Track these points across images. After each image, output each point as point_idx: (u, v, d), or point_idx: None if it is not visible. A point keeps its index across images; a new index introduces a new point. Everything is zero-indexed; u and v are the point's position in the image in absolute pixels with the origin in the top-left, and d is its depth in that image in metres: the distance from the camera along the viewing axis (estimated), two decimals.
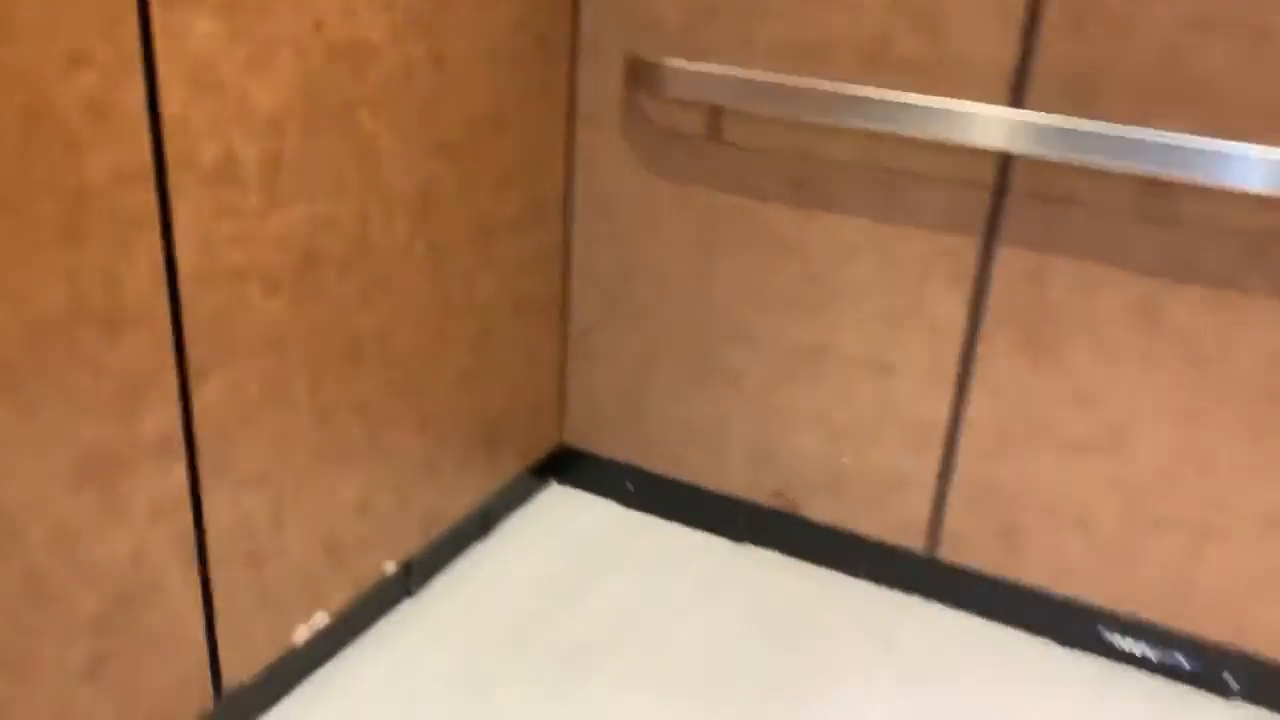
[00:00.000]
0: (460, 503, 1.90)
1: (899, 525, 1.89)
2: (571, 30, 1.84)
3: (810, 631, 1.83)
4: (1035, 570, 1.81)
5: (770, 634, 1.82)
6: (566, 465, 2.16)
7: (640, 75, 1.80)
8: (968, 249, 1.69)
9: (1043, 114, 1.55)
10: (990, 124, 1.58)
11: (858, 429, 1.87)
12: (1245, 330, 1.56)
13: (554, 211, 1.93)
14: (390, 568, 1.75)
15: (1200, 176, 1.48)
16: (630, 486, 2.11)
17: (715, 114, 1.79)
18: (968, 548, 1.85)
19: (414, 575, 1.82)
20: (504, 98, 1.72)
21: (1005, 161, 1.63)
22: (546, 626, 1.80)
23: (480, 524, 1.98)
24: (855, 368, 1.83)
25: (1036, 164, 1.61)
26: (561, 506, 2.13)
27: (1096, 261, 1.62)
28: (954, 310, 1.73)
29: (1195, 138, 1.46)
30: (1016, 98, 1.59)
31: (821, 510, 1.95)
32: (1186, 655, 1.75)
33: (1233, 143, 1.45)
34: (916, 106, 1.61)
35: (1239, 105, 1.47)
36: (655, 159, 1.86)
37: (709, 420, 1.99)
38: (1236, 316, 1.56)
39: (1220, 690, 1.75)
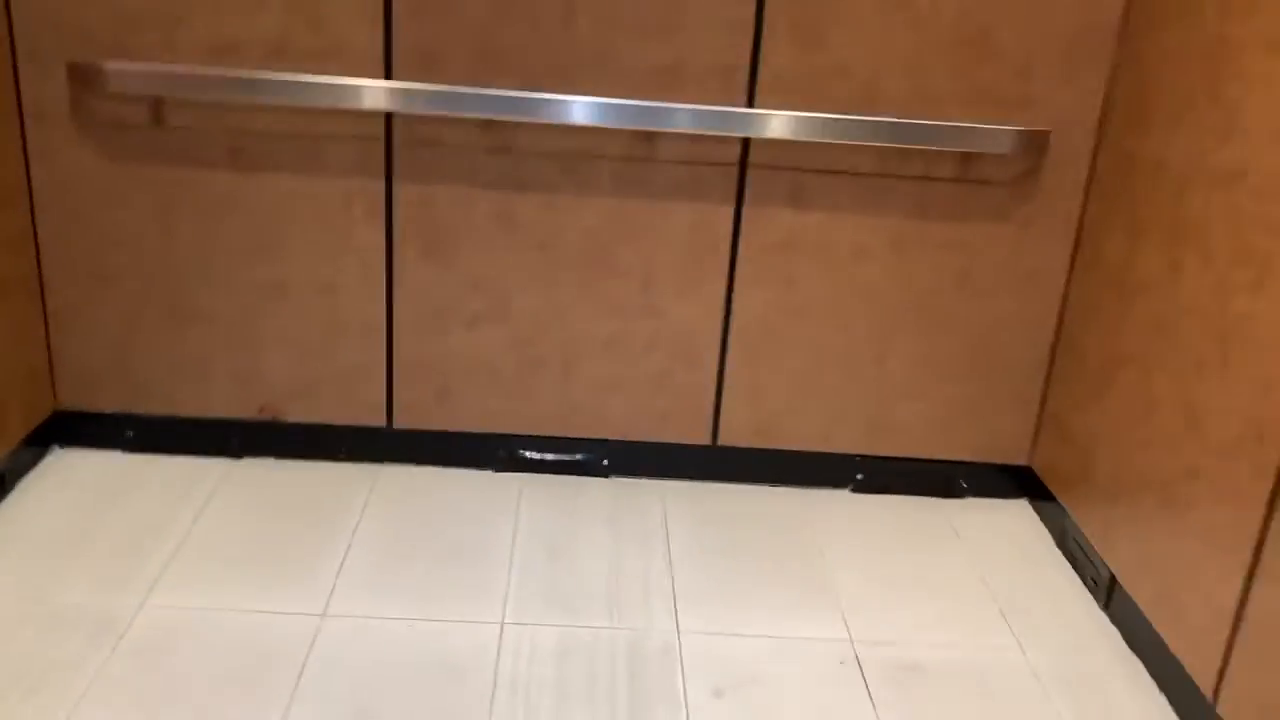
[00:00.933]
0: None
1: (364, 409, 2.46)
2: (9, 41, 2.14)
3: (303, 506, 2.34)
4: (465, 419, 2.48)
5: (272, 515, 2.30)
6: (66, 428, 2.43)
7: (83, 77, 2.16)
8: (376, 189, 2.29)
9: (406, 82, 2.19)
10: (372, 93, 2.18)
11: (318, 341, 2.40)
12: (567, 219, 2.33)
13: (19, 200, 2.21)
14: None
15: (516, 117, 2.21)
16: (130, 433, 2.45)
17: (156, 104, 2.21)
18: (415, 414, 2.47)
19: None
20: None
21: (389, 119, 2.24)
22: (83, 548, 2.12)
23: None
24: (307, 293, 2.36)
25: (410, 118, 2.24)
26: (69, 463, 2.41)
27: (465, 185, 2.29)
28: (374, 237, 2.32)
29: (512, 92, 2.18)
30: (388, 72, 2.21)
31: (301, 413, 2.46)
32: (575, 452, 2.52)
33: (537, 94, 2.19)
34: (316, 84, 2.16)
35: (535, 67, 2.21)
36: (107, 146, 2.23)
37: (192, 359, 2.40)
38: (560, 211, 2.32)
39: (600, 472, 2.54)
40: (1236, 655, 1.74)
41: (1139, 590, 2.05)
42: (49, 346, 2.37)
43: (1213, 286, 1.86)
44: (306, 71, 2.19)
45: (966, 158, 2.30)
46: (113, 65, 2.15)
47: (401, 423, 2.47)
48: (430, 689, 1.83)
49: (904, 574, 2.27)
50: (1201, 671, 1.83)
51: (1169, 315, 1.99)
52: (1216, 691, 1.78)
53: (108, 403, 2.43)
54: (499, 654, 1.93)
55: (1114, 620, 2.15)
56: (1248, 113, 1.79)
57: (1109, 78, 2.25)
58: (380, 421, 2.47)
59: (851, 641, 2.04)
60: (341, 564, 2.14)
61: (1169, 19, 2.06)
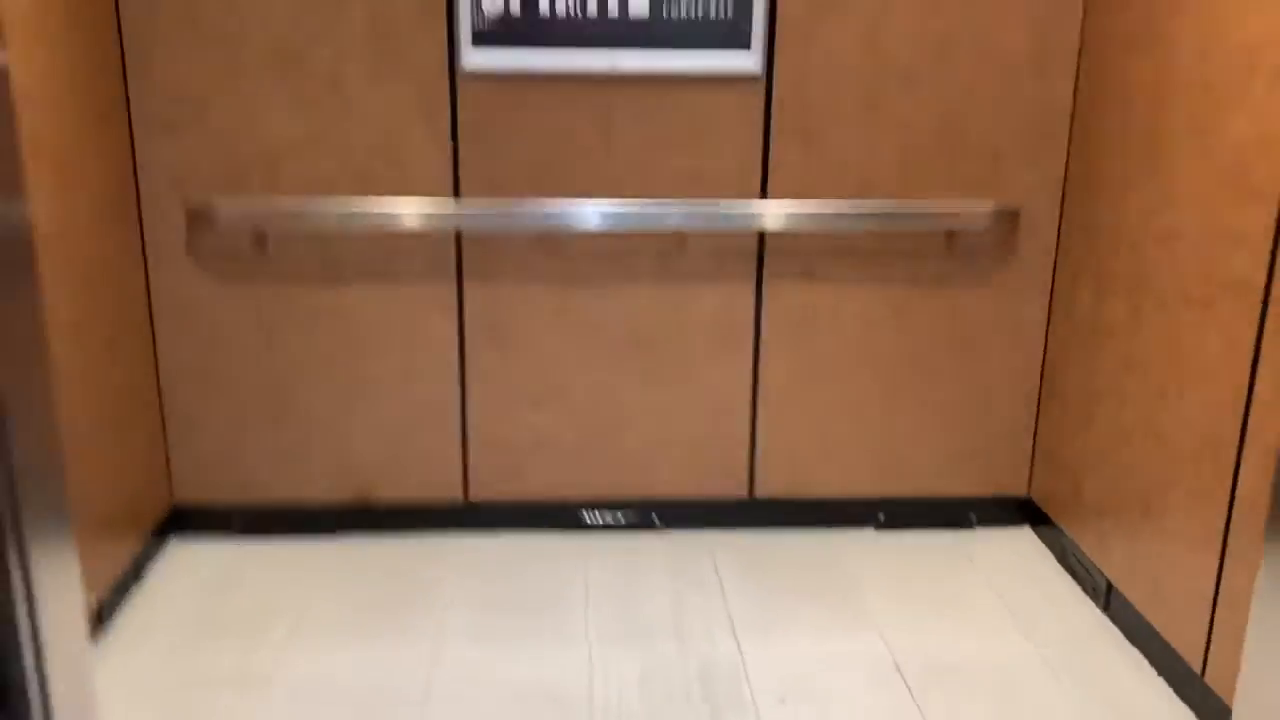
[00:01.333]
0: (120, 558, 2.45)
1: (442, 485, 2.79)
2: (135, 191, 2.52)
3: (399, 574, 2.66)
4: (533, 488, 2.82)
5: (373, 584, 2.62)
6: (182, 520, 2.76)
7: (198, 217, 2.54)
8: (449, 291, 2.66)
9: (471, 201, 2.57)
10: (443, 213, 2.56)
11: (401, 427, 2.74)
12: (613, 307, 2.70)
13: (143, 327, 2.57)
14: (93, 600, 2.28)
15: (565, 225, 2.59)
16: (238, 522, 2.77)
17: (259, 234, 2.59)
18: (489, 486, 2.81)
19: (104, 613, 2.36)
20: (104, 246, 2.36)
21: (458, 233, 2.62)
22: (216, 621, 2.44)
23: (134, 575, 2.54)
24: (391, 385, 2.71)
25: (475, 232, 2.62)
26: (188, 552, 2.73)
27: (525, 283, 2.67)
28: (448, 330, 2.69)
29: (562, 203, 2.57)
30: (457, 194, 2.59)
31: (388, 493, 2.79)
32: (628, 511, 2.85)
33: (582, 203, 2.58)
34: (396, 209, 2.55)
35: (581, 179, 2.60)
36: (217, 273, 2.60)
37: (292, 451, 2.74)
38: (607, 300, 2.69)
39: (653, 527, 2.87)
40: (1217, 631, 2.07)
41: (1132, 590, 2.38)
42: (166, 449, 2.70)
43: (1166, 327, 2.23)
44: (386, 196, 2.58)
45: (951, 234, 2.69)
46: (223, 205, 2.53)
47: (476, 496, 2.81)
48: (538, 715, 2.14)
49: (928, 596, 2.60)
50: (1190, 650, 2.16)
51: (1134, 354, 2.36)
52: (1204, 665, 2.11)
53: (217, 496, 2.76)
54: (591, 682, 2.24)
55: (1113, 619, 2.48)
56: (1179, 184, 2.19)
57: (1065, 160, 2.66)
58: (457, 496, 2.81)
59: (891, 652, 2.36)
60: (443, 619, 2.46)
61: (1110, 110, 2.47)
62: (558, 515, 2.84)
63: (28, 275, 0.90)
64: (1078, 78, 2.61)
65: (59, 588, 0.95)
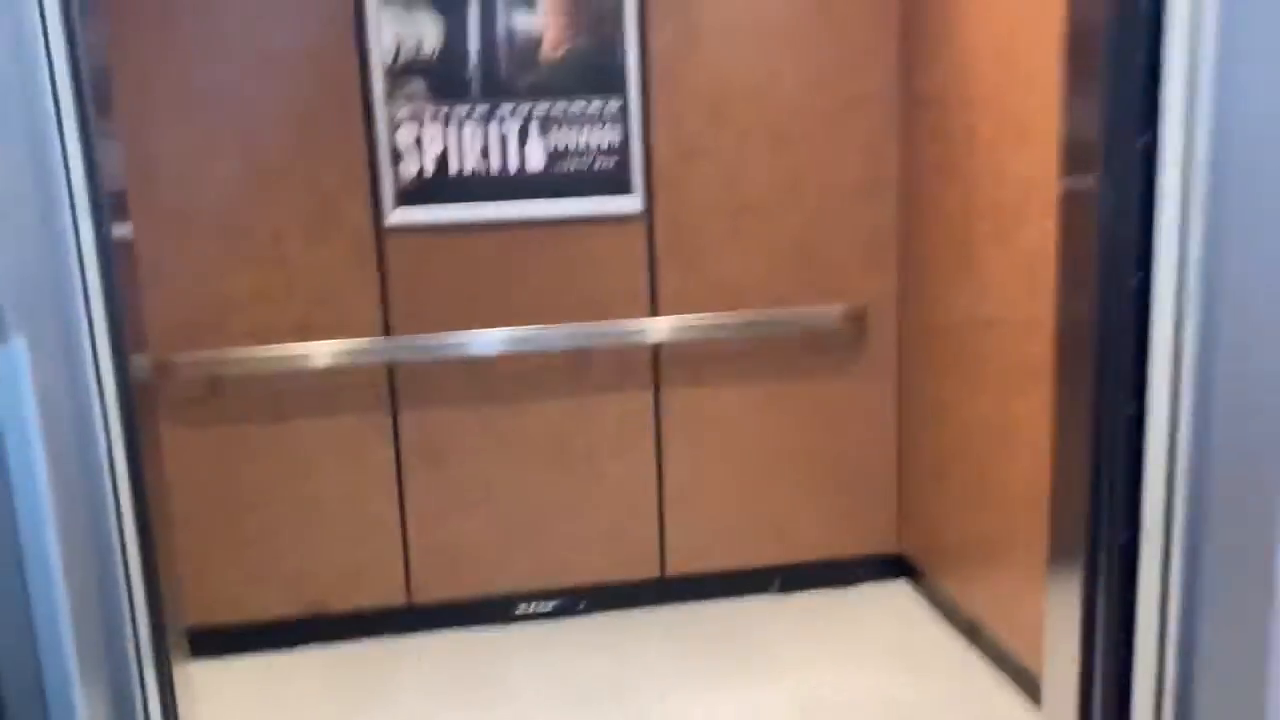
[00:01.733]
0: None
1: (387, 592, 3.10)
2: None
3: (357, 676, 2.95)
4: (470, 586, 3.15)
5: (335, 690, 2.90)
6: None
7: (158, 368, 2.85)
8: (384, 418, 3.01)
9: (400, 338, 2.95)
10: (375, 350, 2.93)
11: (349, 542, 3.05)
12: (530, 419, 3.08)
13: None
14: None
15: (484, 351, 2.98)
16: (205, 643, 3.02)
17: (213, 380, 2.90)
18: (430, 589, 3.13)
19: None
20: None
21: (390, 367, 2.99)
22: None
23: None
24: (338, 504, 3.03)
25: (405, 365, 2.99)
26: None
27: (452, 405, 3.04)
28: (386, 453, 3.03)
29: (480, 332, 2.97)
30: (387, 332, 2.97)
31: (340, 603, 3.08)
32: (558, 600, 3.21)
33: (494, 329, 2.98)
34: (333, 349, 2.90)
35: (497, 310, 3.00)
36: (177, 418, 2.90)
37: (252, 571, 3.02)
38: (524, 414, 3.08)
39: (579, 612, 3.23)
40: None
41: (992, 624, 2.84)
42: None
43: (991, 400, 2.74)
44: (325, 339, 2.93)
45: (811, 333, 3.18)
46: (180, 358, 2.84)
47: (419, 599, 3.13)
48: None
49: (824, 648, 3.01)
50: (1039, 666, 2.61)
51: (970, 424, 2.86)
52: None
53: (188, 619, 3.00)
54: None
55: (981, 651, 2.93)
56: (989, 283, 2.72)
57: (899, 265, 3.19)
58: (401, 601, 3.12)
59: (796, 698, 2.76)
60: (405, 711, 2.76)
61: (932, 225, 3.01)
62: (493, 608, 3.18)
63: (154, 415, 1.21)
64: (905, 200, 3.16)
65: (184, 688, 1.24)
